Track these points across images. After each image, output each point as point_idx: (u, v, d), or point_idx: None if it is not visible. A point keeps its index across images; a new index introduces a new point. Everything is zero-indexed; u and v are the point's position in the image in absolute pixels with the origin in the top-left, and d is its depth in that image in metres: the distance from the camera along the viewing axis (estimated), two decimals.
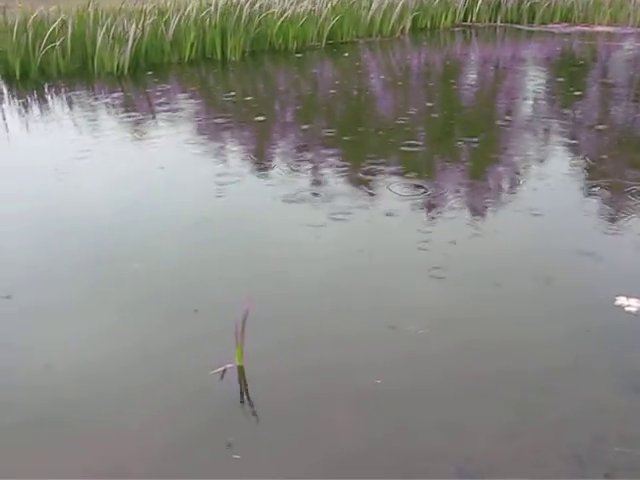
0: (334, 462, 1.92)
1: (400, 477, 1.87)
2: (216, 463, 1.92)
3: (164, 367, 2.32)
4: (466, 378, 2.25)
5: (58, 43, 7.26)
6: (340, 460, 1.92)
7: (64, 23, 7.47)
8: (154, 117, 5.68)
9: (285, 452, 1.95)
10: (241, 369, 2.29)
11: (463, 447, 1.95)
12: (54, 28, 7.32)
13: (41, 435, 2.02)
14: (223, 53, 8.36)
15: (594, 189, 3.88)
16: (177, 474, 1.88)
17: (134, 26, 7.50)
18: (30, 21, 7.29)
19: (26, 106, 6.19)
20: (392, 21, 10.32)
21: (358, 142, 4.94)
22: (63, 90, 6.75)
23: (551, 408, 2.11)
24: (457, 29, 11.23)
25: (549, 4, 11.75)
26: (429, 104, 6.17)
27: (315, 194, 3.81)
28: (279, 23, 8.80)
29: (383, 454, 1.94)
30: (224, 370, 2.28)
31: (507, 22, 11.81)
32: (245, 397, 2.21)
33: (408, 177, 4.10)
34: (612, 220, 3.45)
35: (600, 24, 11.55)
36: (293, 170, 4.24)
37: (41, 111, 5.95)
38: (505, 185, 4.05)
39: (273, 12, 8.75)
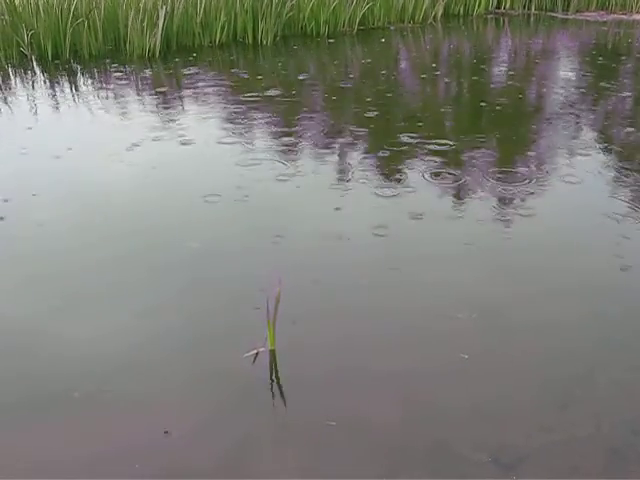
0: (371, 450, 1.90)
1: (431, 456, 1.86)
2: None
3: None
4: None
5: (87, 22, 7.27)
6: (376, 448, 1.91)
7: (96, 4, 7.48)
8: (183, 101, 5.66)
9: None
10: (273, 353, 2.28)
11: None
12: (85, 8, 7.34)
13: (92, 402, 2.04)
14: (254, 37, 8.32)
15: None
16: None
17: (165, 8, 7.49)
18: (61, 1, 7.31)
19: (57, 88, 6.20)
20: (424, 7, 10.18)
21: None
22: (94, 72, 6.77)
23: None
24: (490, 16, 11.04)
25: None
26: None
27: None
28: (310, 7, 8.73)
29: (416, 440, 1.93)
30: (257, 353, 2.27)
31: (541, 9, 11.59)
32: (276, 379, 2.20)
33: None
34: None
35: (638, 12, 11.29)
36: None
37: (71, 93, 5.97)
38: None
39: None
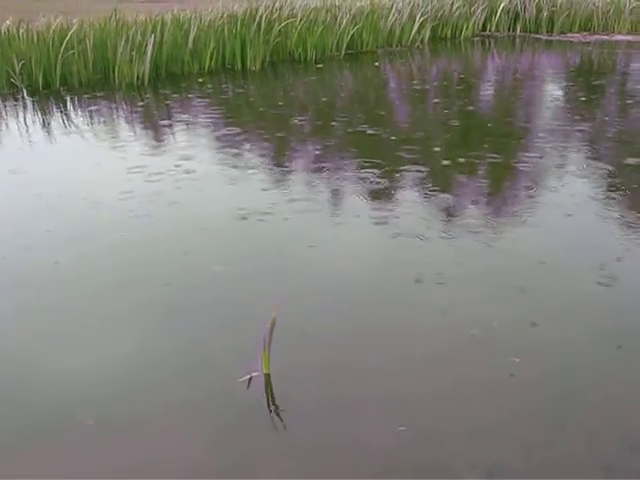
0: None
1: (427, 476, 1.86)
2: None
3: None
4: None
5: (77, 51, 7.32)
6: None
7: (85, 34, 7.54)
8: (172, 129, 5.69)
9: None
10: (267, 377, 2.28)
11: None
12: (75, 38, 7.40)
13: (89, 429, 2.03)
14: (243, 63, 8.40)
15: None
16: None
17: (153, 36, 7.56)
18: (51, 31, 7.36)
19: (48, 117, 6.22)
20: (412, 31, 10.33)
21: None
22: (84, 101, 6.80)
23: None
24: (476, 39, 11.21)
25: (568, 13, 11.71)
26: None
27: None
28: (297, 32, 8.83)
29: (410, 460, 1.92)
30: (250, 378, 2.26)
31: (526, 32, 11.78)
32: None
33: None
34: None
35: (620, 33, 11.49)
36: None
37: (62, 122, 5.99)
38: None
39: (292, 22, 8.77)
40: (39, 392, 2.24)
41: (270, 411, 2.16)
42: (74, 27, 7.58)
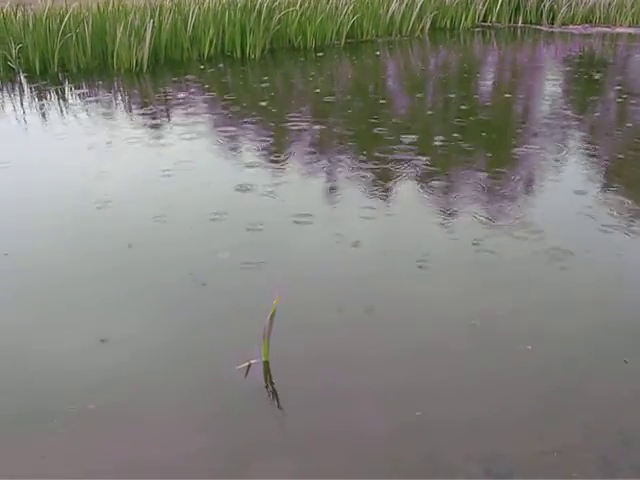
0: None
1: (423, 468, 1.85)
2: None
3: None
4: None
5: (75, 36, 7.25)
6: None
7: (84, 18, 7.46)
8: (169, 117, 5.64)
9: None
10: (266, 364, 2.26)
11: None
12: (73, 22, 7.32)
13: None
14: (242, 51, 8.34)
15: None
16: None
17: (152, 22, 7.48)
18: (46, 13, 7.27)
19: (44, 102, 6.17)
20: (412, 21, 10.26)
21: None
22: (81, 86, 6.74)
23: None
24: (477, 29, 11.14)
25: (569, 5, 11.63)
26: None
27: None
28: (297, 20, 8.76)
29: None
30: (249, 365, 2.24)
31: (527, 23, 11.71)
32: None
33: None
34: None
35: (621, 25, 11.44)
36: None
37: (59, 107, 5.94)
38: None
39: (293, 10, 8.70)
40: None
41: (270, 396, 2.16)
42: (72, 11, 7.50)
